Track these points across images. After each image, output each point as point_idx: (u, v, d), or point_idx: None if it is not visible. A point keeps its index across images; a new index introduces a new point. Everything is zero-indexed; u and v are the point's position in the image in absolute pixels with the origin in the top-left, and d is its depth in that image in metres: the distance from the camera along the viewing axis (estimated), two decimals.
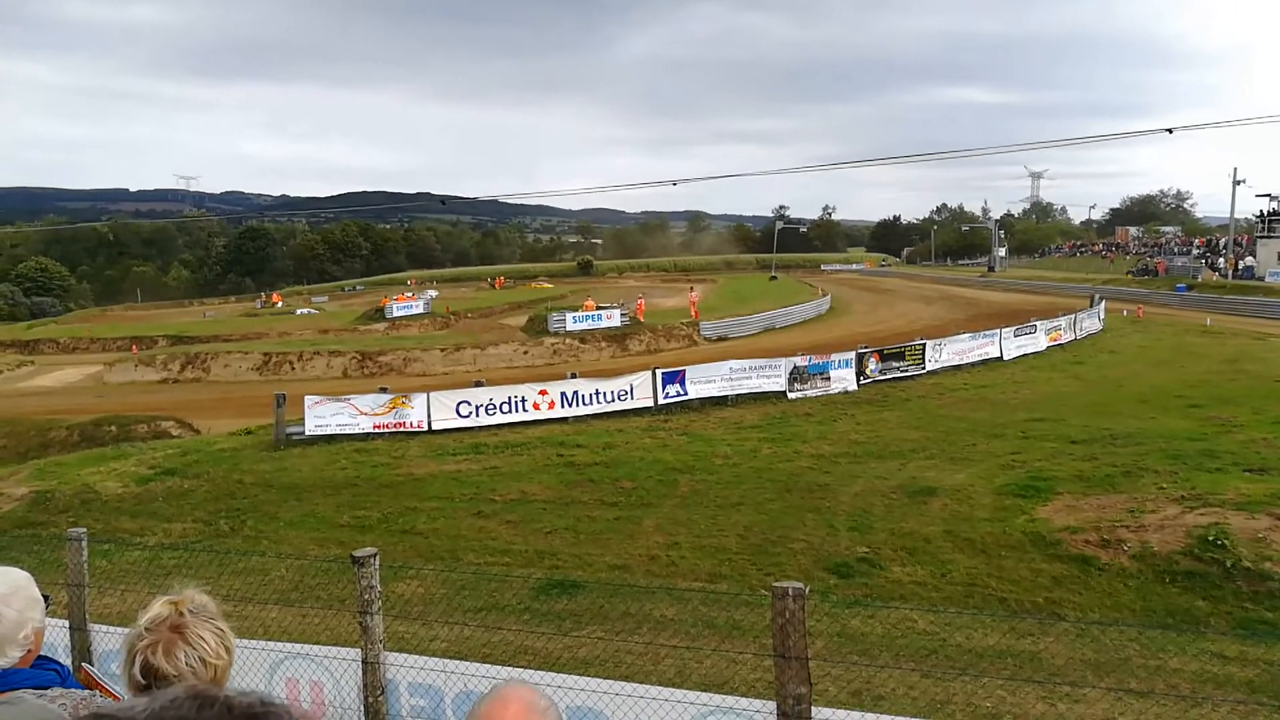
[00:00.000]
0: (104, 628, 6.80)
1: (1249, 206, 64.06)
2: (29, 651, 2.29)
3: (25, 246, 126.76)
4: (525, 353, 40.33)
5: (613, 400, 21.59)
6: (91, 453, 20.62)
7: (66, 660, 6.03)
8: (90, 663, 5.92)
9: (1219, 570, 10.04)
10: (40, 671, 2.34)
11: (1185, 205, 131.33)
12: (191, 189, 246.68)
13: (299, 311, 74.05)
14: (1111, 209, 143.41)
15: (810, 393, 23.09)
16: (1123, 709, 7.31)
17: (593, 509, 14.08)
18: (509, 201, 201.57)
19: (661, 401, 21.81)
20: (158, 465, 18.13)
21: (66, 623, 6.73)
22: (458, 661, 6.25)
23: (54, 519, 15.10)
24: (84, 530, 7.05)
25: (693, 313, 47.54)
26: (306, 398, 20.24)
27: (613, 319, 45.28)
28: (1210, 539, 10.45)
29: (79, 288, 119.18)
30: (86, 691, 2.49)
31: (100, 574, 9.96)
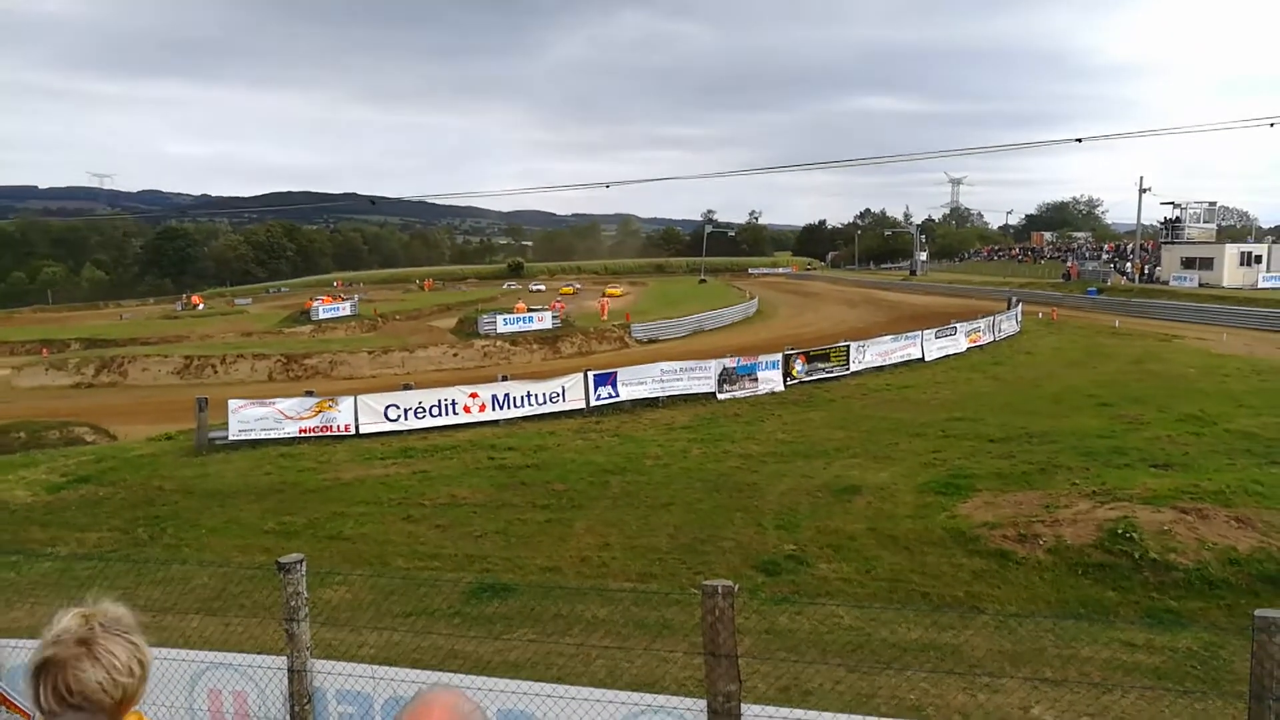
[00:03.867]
0: (12, 642, 6.54)
1: (1155, 214, 66.87)
2: None
3: None
4: (455, 355, 39.95)
5: (544, 402, 21.54)
6: None
7: None
8: None
9: (1128, 562, 10.47)
10: None
11: (1096, 212, 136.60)
12: (105, 187, 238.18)
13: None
14: (1027, 215, 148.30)
15: (739, 394, 23.37)
16: (1038, 698, 7.57)
17: (524, 511, 14.03)
18: (438, 203, 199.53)
19: (593, 403, 21.85)
20: (70, 473, 17.48)
21: None
22: (386, 667, 6.18)
23: None
24: None
25: (601, 314, 47.96)
26: (230, 401, 19.75)
27: (544, 321, 45.16)
28: (1119, 532, 10.89)
29: None
30: None
31: (8, 586, 9.59)
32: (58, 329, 62.32)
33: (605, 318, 46.99)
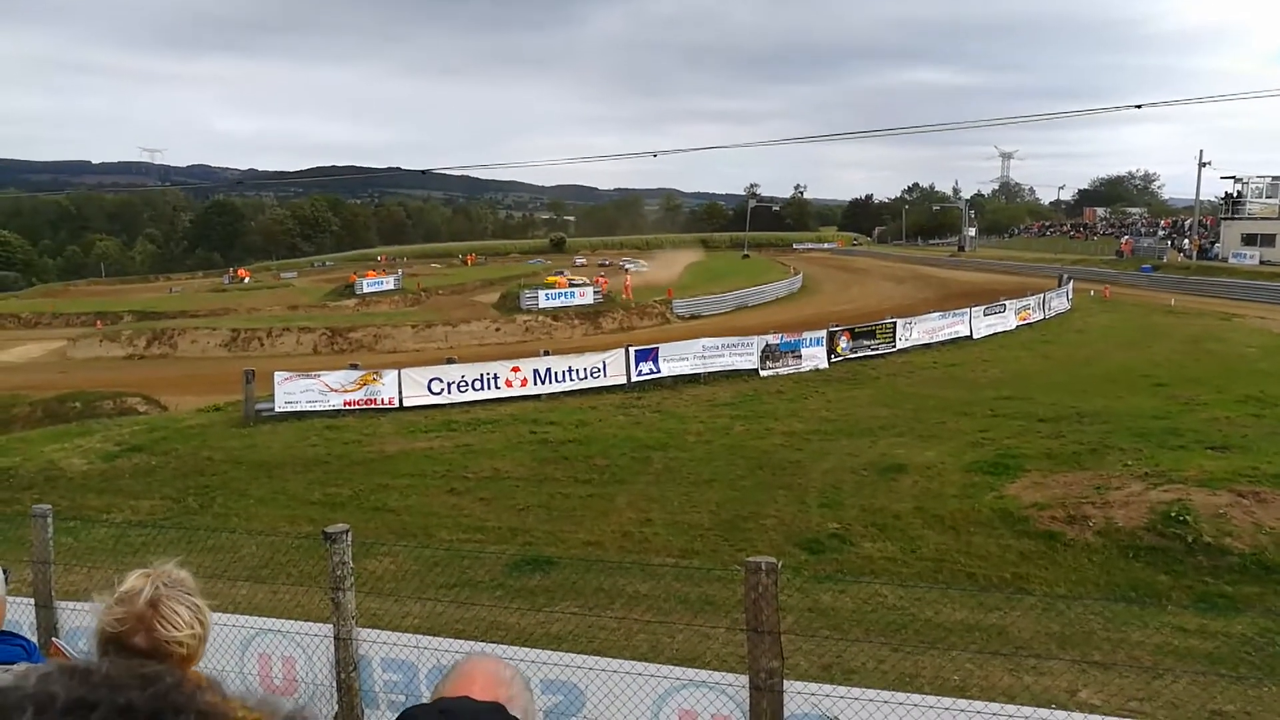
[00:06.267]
0: (71, 604, 6.72)
1: (1214, 189, 64.93)
2: None
3: None
4: (497, 330, 40.16)
5: (586, 378, 21.56)
6: (55, 429, 20.31)
7: (33, 638, 5.95)
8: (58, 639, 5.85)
9: (1181, 546, 10.24)
10: (6, 646, 2.30)
11: (1152, 187, 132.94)
12: (156, 162, 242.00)
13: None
14: (1080, 190, 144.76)
15: (782, 371, 23.20)
16: (1086, 681, 7.45)
17: (566, 486, 14.09)
18: (480, 177, 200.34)
19: (634, 379, 21.82)
20: (124, 442, 17.88)
21: (31, 600, 6.64)
22: (430, 637, 6.24)
23: (17, 496, 14.85)
24: (49, 507, 6.95)
25: (625, 293, 47.47)
26: (276, 374, 20.03)
27: (586, 296, 45.18)
28: (1173, 515, 10.64)
29: (41, 262, 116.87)
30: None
31: (66, 551, 9.83)
32: (111, 302, 63.68)
33: (629, 296, 46.76)
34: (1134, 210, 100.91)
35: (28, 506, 8.28)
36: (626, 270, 60.68)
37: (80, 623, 6.52)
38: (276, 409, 19.43)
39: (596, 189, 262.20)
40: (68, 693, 0.51)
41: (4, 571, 2.42)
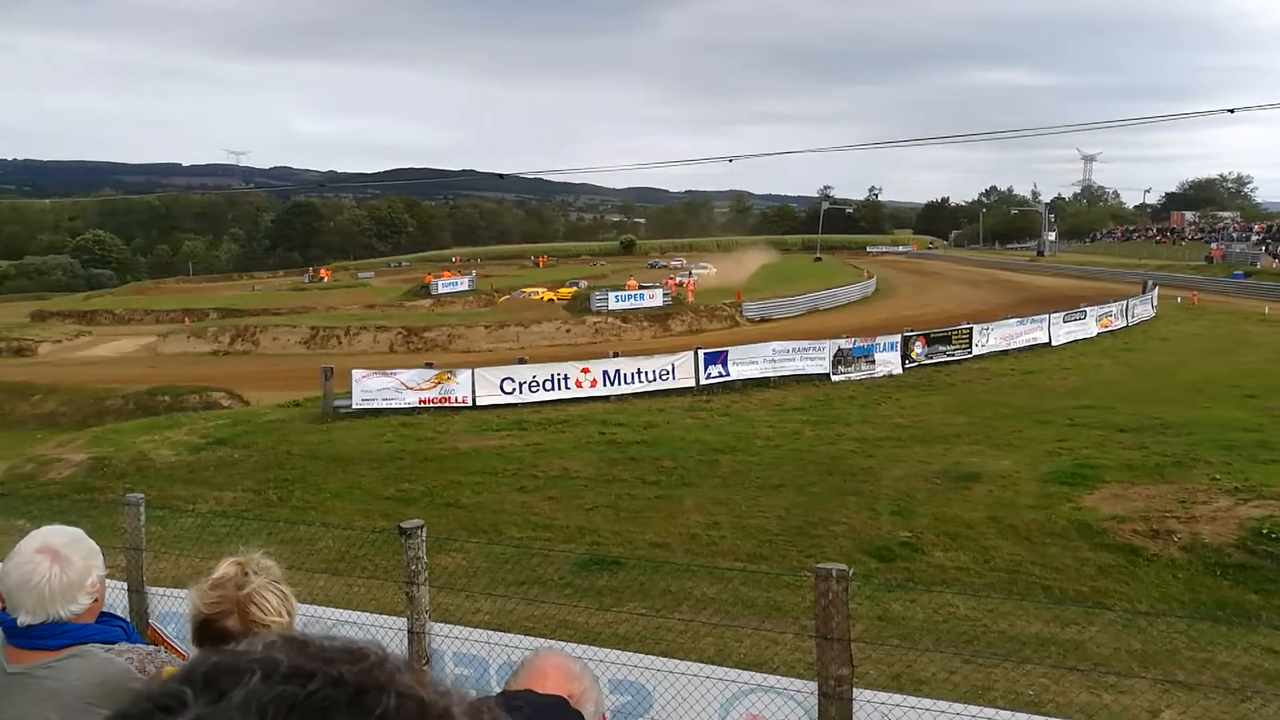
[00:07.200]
0: (161, 590, 6.99)
1: None
2: (95, 601, 2.35)
3: (83, 219, 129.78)
4: (567, 331, 40.48)
5: (654, 379, 21.62)
6: (146, 421, 21.13)
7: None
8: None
9: (1272, 564, 9.84)
10: (107, 627, 2.41)
11: (1246, 190, 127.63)
12: (241, 164, 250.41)
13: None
14: (1167, 193, 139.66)
15: (854, 375, 22.92)
16: (1169, 701, 7.21)
17: (633, 487, 14.14)
18: (553, 180, 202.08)
19: (703, 382, 21.79)
20: (209, 435, 18.52)
21: (125, 585, 6.93)
22: (501, 633, 6.34)
23: (110, 485, 15.51)
24: (141, 496, 7.25)
25: (689, 297, 47.04)
26: (354, 371, 20.53)
27: (655, 299, 45.24)
28: (1264, 532, 10.24)
29: (133, 260, 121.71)
30: (151, 647, 2.57)
31: (155, 539, 10.22)
32: (197, 299, 66.01)
33: (693, 300, 46.58)
34: (1225, 214, 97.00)
35: (120, 495, 8.65)
36: (692, 275, 60.34)
37: (168, 607, 6.79)
38: (353, 405, 19.89)
39: (666, 191, 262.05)
40: (289, 660, 0.56)
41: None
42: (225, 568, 2.20)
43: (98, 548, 2.45)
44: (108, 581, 2.46)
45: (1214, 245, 67.90)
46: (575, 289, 53.86)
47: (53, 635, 2.23)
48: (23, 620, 2.20)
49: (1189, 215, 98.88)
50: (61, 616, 2.22)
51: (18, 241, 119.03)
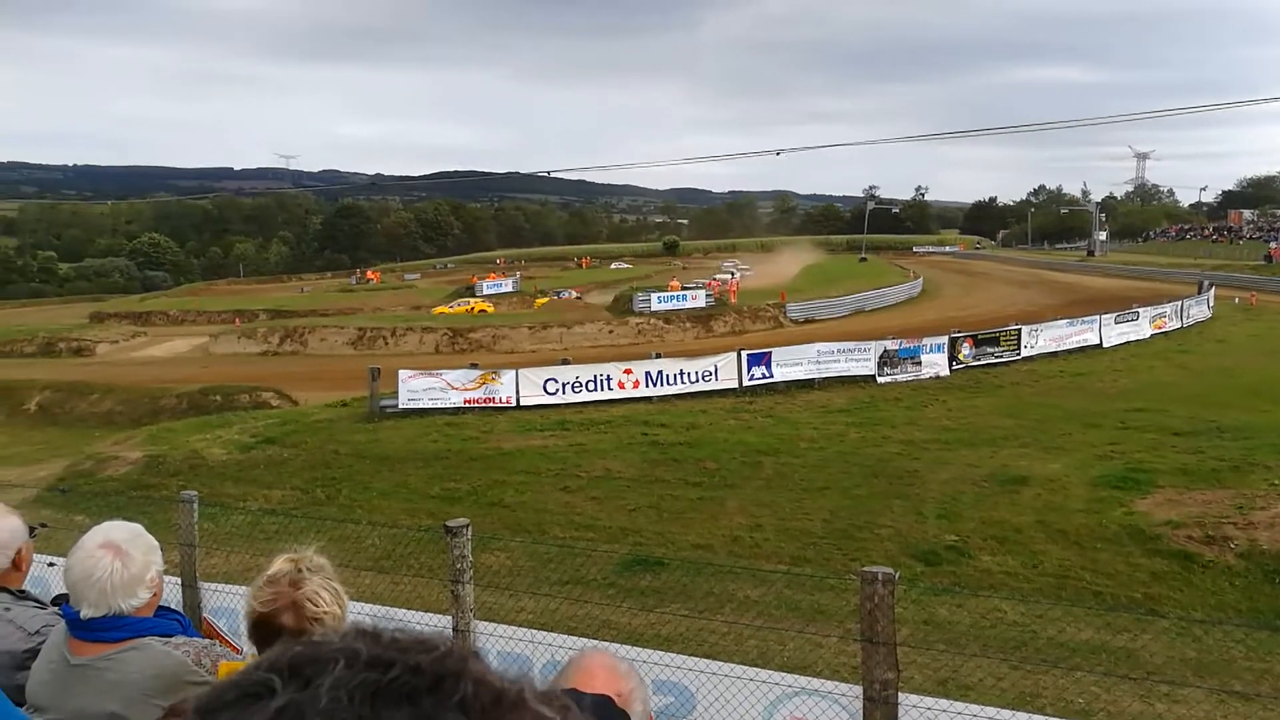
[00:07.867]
0: (213, 585, 7.13)
1: None
2: (155, 595, 2.41)
3: (139, 223, 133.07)
4: (610, 332, 40.57)
5: (697, 381, 21.58)
6: (198, 420, 21.59)
7: None
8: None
9: None
10: (164, 620, 2.48)
11: None
12: (291, 167, 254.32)
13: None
14: (1224, 191, 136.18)
15: (900, 377, 22.68)
16: (1225, 711, 7.05)
17: (676, 488, 14.14)
18: (596, 181, 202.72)
19: (746, 383, 21.71)
20: (259, 434, 18.87)
21: (178, 580, 7.08)
22: (545, 632, 6.38)
23: (165, 482, 15.88)
24: (195, 493, 7.40)
25: (731, 297, 46.83)
26: (400, 371, 20.77)
27: (698, 300, 45.16)
28: None
29: (187, 262, 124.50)
30: (207, 640, 2.64)
31: (207, 536, 10.43)
32: (248, 300, 67.25)
33: (735, 300, 46.39)
34: None
35: (174, 492, 8.85)
36: (733, 276, 60.16)
37: (220, 602, 6.93)
38: (400, 405, 20.13)
39: (709, 191, 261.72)
40: (369, 650, 0.58)
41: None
42: (280, 565, 2.26)
43: (157, 543, 2.52)
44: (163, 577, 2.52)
45: (1273, 244, 66.03)
46: (548, 298, 54.70)
47: (114, 628, 2.29)
48: (85, 613, 2.27)
49: (1247, 213, 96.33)
50: (122, 610, 2.29)
51: (78, 245, 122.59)
